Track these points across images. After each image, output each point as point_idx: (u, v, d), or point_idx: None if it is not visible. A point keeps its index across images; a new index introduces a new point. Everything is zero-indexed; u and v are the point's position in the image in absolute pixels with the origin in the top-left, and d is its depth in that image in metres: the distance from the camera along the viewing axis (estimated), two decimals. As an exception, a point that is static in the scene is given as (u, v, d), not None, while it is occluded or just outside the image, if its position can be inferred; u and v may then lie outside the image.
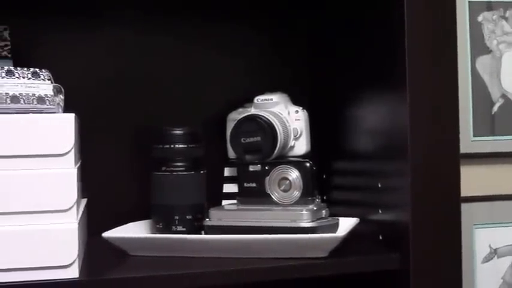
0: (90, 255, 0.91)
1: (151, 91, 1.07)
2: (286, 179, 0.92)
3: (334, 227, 0.92)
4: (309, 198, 0.91)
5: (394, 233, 0.88)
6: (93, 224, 0.98)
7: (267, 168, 0.93)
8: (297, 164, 0.93)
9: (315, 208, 0.90)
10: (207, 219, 0.93)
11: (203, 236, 0.91)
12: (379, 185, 0.92)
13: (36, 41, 1.02)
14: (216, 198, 1.01)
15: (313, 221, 0.89)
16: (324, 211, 0.92)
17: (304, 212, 0.89)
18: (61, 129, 0.81)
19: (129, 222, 0.98)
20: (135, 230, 0.96)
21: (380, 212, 0.92)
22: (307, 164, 0.92)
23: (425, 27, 0.85)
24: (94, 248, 0.94)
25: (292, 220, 0.89)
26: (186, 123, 0.98)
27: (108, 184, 1.04)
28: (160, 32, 1.07)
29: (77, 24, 1.04)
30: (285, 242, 0.86)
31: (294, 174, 0.92)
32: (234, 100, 1.05)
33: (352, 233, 0.91)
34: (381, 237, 0.92)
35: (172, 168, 0.94)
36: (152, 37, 1.07)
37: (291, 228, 0.88)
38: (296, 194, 0.92)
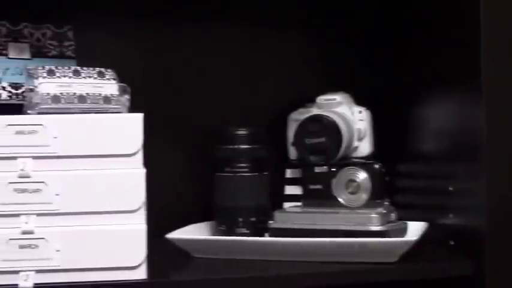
0: (151, 256, 0.90)
1: (211, 90, 1.06)
2: (354, 181, 0.90)
3: (403, 231, 0.89)
4: (378, 201, 0.89)
5: (467, 238, 0.86)
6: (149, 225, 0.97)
7: (333, 169, 0.91)
8: (365, 165, 0.90)
9: (384, 211, 0.88)
10: (272, 222, 0.91)
11: (270, 239, 0.90)
12: (450, 188, 0.89)
13: (97, 40, 1.01)
14: (277, 200, 0.99)
15: (383, 225, 0.86)
16: (392, 214, 0.90)
17: (374, 215, 0.87)
18: (130, 129, 0.80)
19: (186, 223, 0.96)
20: (198, 232, 0.95)
21: (451, 216, 0.89)
22: (376, 166, 0.90)
23: (501, 25, 0.82)
24: (153, 249, 0.93)
25: (361, 223, 0.87)
26: (246, 123, 0.96)
27: (167, 184, 1.03)
28: (221, 32, 1.06)
29: (135, 24, 1.03)
30: (355, 245, 0.84)
31: (361, 176, 0.90)
32: (294, 100, 1.03)
33: (421, 237, 0.89)
34: (452, 243, 0.89)
35: (236, 169, 0.93)
36: (213, 37, 1.06)
37: (360, 232, 0.86)
38: (364, 196, 0.89)
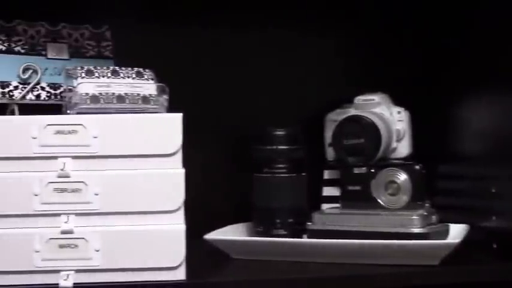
0: (189, 257, 0.89)
1: (248, 90, 1.06)
2: (394, 182, 0.89)
3: (444, 234, 0.88)
4: (418, 202, 0.88)
5: (511, 241, 0.84)
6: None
7: (372, 170, 0.90)
8: (405, 166, 0.89)
9: (425, 213, 0.87)
10: (310, 223, 0.90)
11: (308, 240, 0.89)
12: (493, 190, 0.87)
13: (136, 40, 1.02)
14: (314, 201, 0.98)
15: (424, 227, 0.85)
16: (433, 217, 0.88)
17: (415, 217, 0.85)
18: (169, 129, 0.79)
19: (221, 224, 0.95)
20: (236, 233, 0.94)
21: (494, 218, 0.87)
22: (417, 167, 0.88)
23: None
24: (190, 249, 0.92)
25: (401, 225, 0.85)
26: (284, 124, 0.95)
27: (202, 185, 1.02)
28: (259, 32, 1.05)
29: (173, 24, 1.03)
30: (396, 248, 0.82)
31: (402, 177, 0.88)
32: (332, 100, 1.02)
33: (463, 240, 0.87)
34: (494, 246, 0.87)
35: (274, 170, 0.92)
36: (251, 37, 1.05)
37: (400, 234, 0.84)
38: (404, 198, 0.88)
